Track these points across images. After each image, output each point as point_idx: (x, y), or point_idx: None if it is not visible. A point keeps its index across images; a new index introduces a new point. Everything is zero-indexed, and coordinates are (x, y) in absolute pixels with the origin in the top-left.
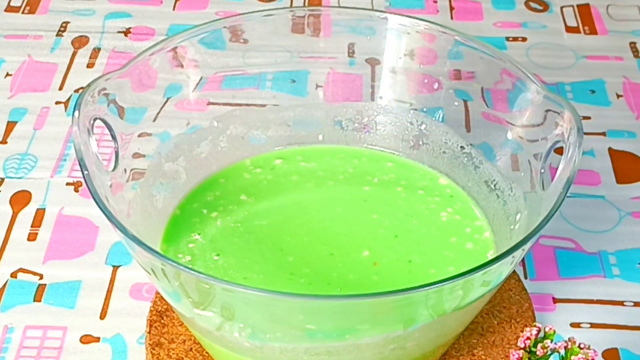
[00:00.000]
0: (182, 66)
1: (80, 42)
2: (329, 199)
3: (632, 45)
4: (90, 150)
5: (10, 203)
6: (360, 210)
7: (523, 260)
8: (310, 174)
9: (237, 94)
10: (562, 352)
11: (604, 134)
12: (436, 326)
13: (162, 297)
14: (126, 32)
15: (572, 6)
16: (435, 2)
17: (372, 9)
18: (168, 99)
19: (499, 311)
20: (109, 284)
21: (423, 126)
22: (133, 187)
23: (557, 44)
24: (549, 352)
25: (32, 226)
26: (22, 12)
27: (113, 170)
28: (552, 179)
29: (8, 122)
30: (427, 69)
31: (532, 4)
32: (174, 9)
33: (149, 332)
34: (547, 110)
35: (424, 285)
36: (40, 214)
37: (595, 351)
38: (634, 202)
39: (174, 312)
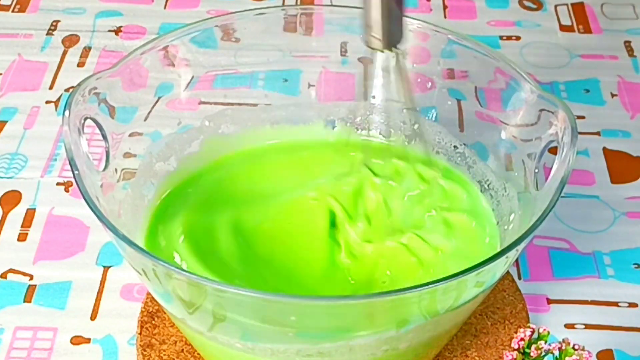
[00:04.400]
0: (173, 65)
1: (70, 41)
2: (326, 193)
3: (627, 44)
4: (81, 149)
5: (0, 203)
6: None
7: (517, 260)
8: (302, 167)
9: (228, 93)
10: (556, 353)
11: (598, 133)
12: (429, 327)
13: (153, 297)
14: (117, 30)
15: (567, 5)
16: (429, 0)
17: None
18: (159, 98)
19: (493, 312)
20: (100, 284)
21: (416, 126)
22: (124, 187)
23: (551, 43)
24: (543, 354)
25: (22, 226)
26: (12, 11)
27: (104, 170)
28: (546, 179)
29: None
30: (420, 68)
31: (526, 3)
32: (165, 8)
33: (140, 333)
34: (541, 110)
35: (417, 286)
36: (30, 214)
37: (589, 352)
38: (628, 202)
39: (165, 313)
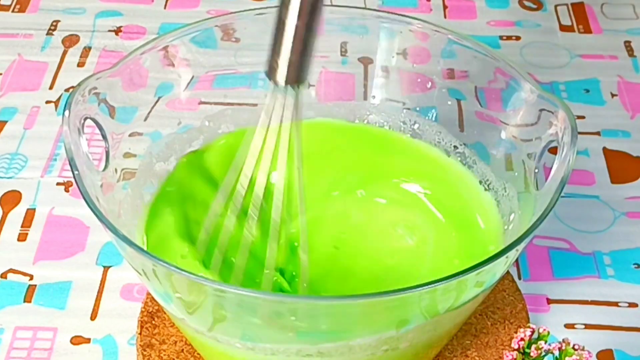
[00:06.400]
0: (173, 65)
1: (70, 41)
2: (325, 185)
3: (627, 44)
4: (81, 150)
5: (0, 203)
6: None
7: (517, 260)
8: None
9: (228, 93)
10: (556, 353)
11: (598, 133)
12: (429, 327)
13: (153, 297)
14: (117, 30)
15: (567, 5)
16: (429, 0)
17: (365, 8)
18: (159, 98)
19: (493, 312)
20: (100, 284)
21: (416, 126)
22: (124, 187)
23: (551, 43)
24: (543, 354)
25: (22, 226)
26: (12, 11)
27: (104, 170)
28: (546, 179)
29: None
30: (420, 68)
31: (526, 3)
32: (165, 8)
33: (140, 333)
34: (541, 110)
35: (417, 285)
36: (30, 214)
37: (589, 352)
38: (628, 202)
39: (165, 313)
